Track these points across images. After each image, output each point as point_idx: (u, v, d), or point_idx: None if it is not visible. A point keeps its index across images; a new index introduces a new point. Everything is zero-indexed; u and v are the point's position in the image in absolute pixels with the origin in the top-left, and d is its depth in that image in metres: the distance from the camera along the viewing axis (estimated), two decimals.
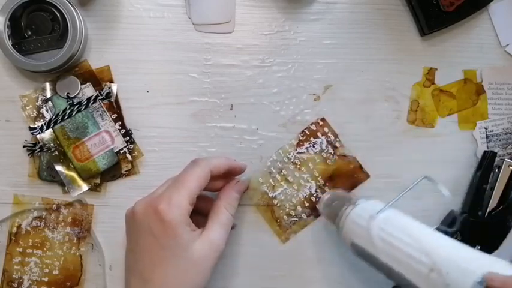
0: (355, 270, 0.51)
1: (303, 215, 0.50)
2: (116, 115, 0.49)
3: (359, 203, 0.44)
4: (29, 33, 0.46)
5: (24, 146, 0.48)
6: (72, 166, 0.48)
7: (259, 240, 0.50)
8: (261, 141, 0.50)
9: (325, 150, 0.50)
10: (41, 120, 0.48)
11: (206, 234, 0.41)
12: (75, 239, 0.49)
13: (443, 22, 0.49)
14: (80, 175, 0.48)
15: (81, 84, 0.48)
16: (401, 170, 0.51)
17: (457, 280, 0.35)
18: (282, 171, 0.50)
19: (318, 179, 0.50)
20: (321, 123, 0.50)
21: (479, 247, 0.49)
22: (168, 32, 0.49)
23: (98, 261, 0.50)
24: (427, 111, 0.51)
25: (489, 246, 0.49)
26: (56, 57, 0.45)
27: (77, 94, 0.48)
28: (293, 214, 0.50)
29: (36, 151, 0.48)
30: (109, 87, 0.49)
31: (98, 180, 0.49)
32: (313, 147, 0.50)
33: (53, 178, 0.48)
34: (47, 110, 0.48)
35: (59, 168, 0.48)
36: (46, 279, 0.49)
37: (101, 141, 0.48)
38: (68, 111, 0.47)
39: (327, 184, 0.50)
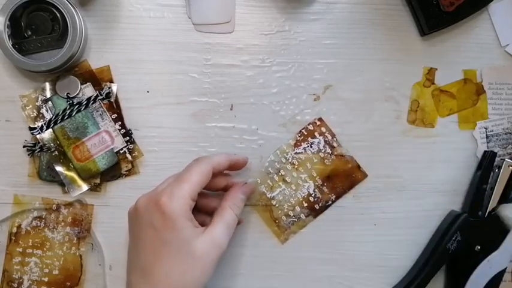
0: (355, 270, 0.51)
1: (302, 215, 0.50)
2: (116, 115, 0.49)
3: None
4: (29, 33, 0.46)
5: (24, 146, 0.48)
6: (72, 166, 0.48)
7: (259, 240, 0.50)
8: (261, 141, 0.50)
9: (322, 150, 0.50)
10: (41, 120, 0.48)
11: (209, 232, 0.41)
12: (75, 239, 0.49)
13: (443, 22, 0.49)
14: (80, 175, 0.48)
15: (81, 84, 0.48)
16: (401, 170, 0.51)
17: None
18: (280, 172, 0.50)
19: (316, 179, 0.50)
20: (318, 123, 0.50)
21: (479, 247, 0.49)
22: (168, 32, 0.49)
23: (98, 261, 0.50)
24: (427, 111, 0.51)
25: (489, 246, 0.50)
26: (56, 57, 0.45)
27: (77, 94, 0.48)
28: (292, 214, 0.50)
29: (36, 151, 0.48)
30: (109, 87, 0.49)
31: (98, 180, 0.49)
32: (311, 147, 0.50)
33: (53, 178, 0.48)
34: (47, 110, 0.48)
35: (59, 168, 0.48)
36: (46, 279, 0.49)
37: (101, 141, 0.48)
38: (68, 111, 0.48)
39: (325, 184, 0.50)
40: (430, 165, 0.51)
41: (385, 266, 0.51)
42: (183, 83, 0.50)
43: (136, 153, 0.49)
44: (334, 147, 0.50)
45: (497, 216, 0.49)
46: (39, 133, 0.47)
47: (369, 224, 0.51)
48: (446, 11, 0.48)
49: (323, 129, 0.50)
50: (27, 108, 0.48)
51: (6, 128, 0.49)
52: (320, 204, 0.50)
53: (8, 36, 0.45)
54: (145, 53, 0.49)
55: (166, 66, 0.49)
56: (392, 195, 0.51)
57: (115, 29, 0.49)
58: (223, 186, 0.47)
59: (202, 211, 0.46)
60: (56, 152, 0.48)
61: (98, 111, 0.48)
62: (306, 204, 0.50)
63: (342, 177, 0.50)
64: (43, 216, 0.49)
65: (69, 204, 0.49)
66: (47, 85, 0.48)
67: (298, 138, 0.50)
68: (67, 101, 0.48)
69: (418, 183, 0.51)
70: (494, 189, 0.49)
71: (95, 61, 0.49)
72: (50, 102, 0.48)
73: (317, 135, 0.50)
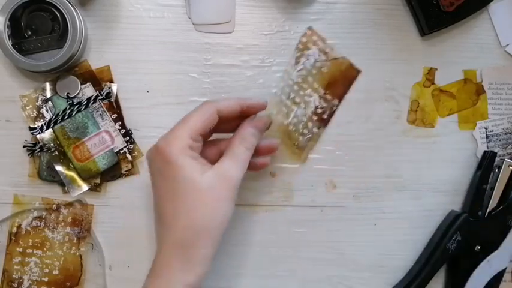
0: (355, 270, 0.51)
1: (314, 129, 0.50)
2: (116, 115, 0.49)
3: None
4: (29, 33, 0.46)
5: (24, 146, 0.48)
6: (72, 166, 0.48)
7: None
8: None
9: (318, 60, 0.50)
10: (41, 120, 0.48)
11: (217, 166, 0.40)
12: (75, 239, 0.49)
13: (443, 22, 0.49)
14: (80, 175, 0.48)
15: (81, 84, 0.48)
16: (401, 170, 0.51)
17: None
18: (290, 95, 0.49)
19: (319, 89, 0.49)
20: (309, 32, 0.50)
21: (479, 247, 0.49)
22: (168, 32, 0.49)
23: (98, 261, 0.50)
24: (427, 111, 0.51)
25: (489, 246, 0.50)
26: (56, 57, 0.45)
27: (77, 94, 0.48)
28: (306, 132, 0.50)
29: (36, 151, 0.48)
30: (109, 87, 0.49)
31: (98, 180, 0.49)
32: (308, 59, 0.49)
33: (53, 178, 0.48)
34: (47, 110, 0.48)
35: (59, 168, 0.48)
36: (46, 279, 0.49)
37: (101, 141, 0.48)
38: (68, 111, 0.48)
39: (327, 91, 0.50)
40: (430, 165, 0.51)
41: (385, 266, 0.51)
42: (183, 83, 0.50)
43: (136, 153, 0.49)
44: (327, 52, 0.49)
45: (497, 216, 0.49)
46: (39, 133, 0.47)
47: (369, 224, 0.51)
48: (446, 11, 0.48)
49: (314, 37, 0.49)
50: (27, 108, 0.48)
51: (6, 128, 0.49)
52: (327, 113, 0.50)
53: (8, 36, 0.45)
54: (145, 53, 0.49)
55: (166, 66, 0.49)
56: (392, 195, 0.51)
57: (115, 29, 0.49)
58: (237, 127, 0.44)
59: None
60: (56, 152, 0.48)
61: (98, 111, 0.48)
62: (315, 118, 0.50)
63: (339, 79, 0.50)
64: (43, 216, 0.49)
65: (69, 204, 0.49)
66: (47, 85, 0.48)
67: (297, 55, 0.49)
68: (67, 101, 0.48)
69: (418, 183, 0.51)
70: (494, 189, 0.49)
71: (94, 61, 0.49)
72: (50, 102, 0.48)
73: (311, 46, 0.49)
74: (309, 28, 0.49)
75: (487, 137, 0.51)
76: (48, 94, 0.48)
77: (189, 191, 0.38)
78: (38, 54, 0.47)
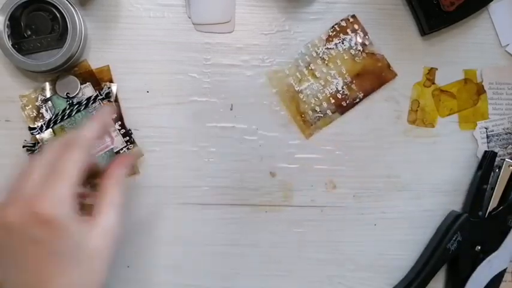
0: (355, 270, 0.51)
1: (328, 112, 0.50)
2: (115, 115, 0.49)
3: None
4: (29, 33, 0.46)
5: (24, 146, 0.48)
6: None
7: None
8: (261, 141, 0.50)
9: (354, 48, 0.50)
10: (41, 120, 0.48)
11: (97, 223, 0.37)
12: None
13: (443, 22, 0.49)
14: None
15: (81, 84, 0.48)
16: (401, 170, 0.51)
17: None
18: (309, 66, 0.49)
19: (345, 76, 0.49)
20: (351, 19, 0.50)
21: (479, 247, 0.49)
22: (168, 32, 0.49)
23: None
24: (428, 111, 0.51)
25: (489, 246, 0.50)
26: (55, 57, 0.45)
27: (77, 94, 0.48)
28: (318, 110, 0.49)
29: (36, 151, 0.48)
30: (109, 87, 0.48)
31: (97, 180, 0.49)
32: (342, 43, 0.49)
33: None
34: (46, 110, 0.48)
35: None
36: None
37: (101, 141, 0.48)
38: (68, 111, 0.47)
39: (354, 81, 0.50)
40: (430, 165, 0.51)
41: (385, 266, 0.51)
42: (183, 83, 0.50)
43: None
44: (366, 45, 0.50)
45: (498, 216, 0.49)
46: (39, 133, 0.47)
47: (369, 224, 0.51)
48: (446, 11, 0.48)
49: (356, 26, 0.50)
50: (27, 108, 0.48)
51: (6, 128, 0.49)
52: (347, 102, 0.50)
53: (8, 36, 0.45)
54: (145, 53, 0.49)
55: (166, 66, 0.49)
56: (392, 195, 0.51)
57: (115, 29, 0.49)
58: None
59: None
60: None
61: (97, 111, 0.48)
62: (333, 101, 0.50)
63: (372, 76, 0.50)
64: None
65: None
66: (47, 85, 0.48)
67: (330, 34, 0.49)
68: (67, 101, 0.48)
69: (418, 183, 0.51)
70: (495, 189, 0.49)
71: (94, 61, 0.49)
72: (49, 102, 0.48)
73: (349, 32, 0.49)
74: (353, 16, 0.49)
75: (488, 137, 0.51)
76: (48, 94, 0.48)
77: (78, 259, 0.35)
78: (37, 54, 0.46)
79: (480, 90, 0.51)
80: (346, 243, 0.51)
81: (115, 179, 0.40)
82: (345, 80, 0.50)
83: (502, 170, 0.49)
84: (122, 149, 0.49)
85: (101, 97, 0.48)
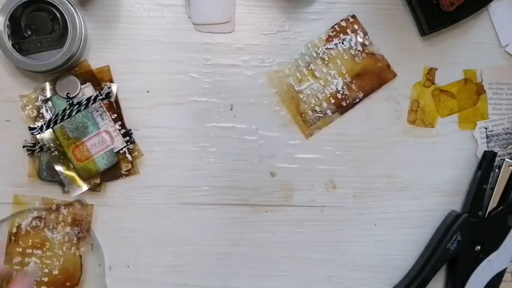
0: (355, 270, 0.51)
1: (328, 112, 0.50)
2: (115, 115, 0.49)
3: None
4: (29, 33, 0.46)
5: (24, 146, 0.48)
6: (72, 166, 0.48)
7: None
8: (261, 141, 0.50)
9: (354, 48, 0.50)
10: (41, 120, 0.48)
11: None
12: (75, 239, 0.49)
13: (443, 22, 0.49)
14: (79, 175, 0.48)
15: (81, 84, 0.48)
16: (401, 170, 0.51)
17: None
18: (309, 66, 0.49)
19: (345, 76, 0.50)
20: (351, 20, 0.50)
21: (479, 247, 0.49)
22: (168, 32, 0.49)
23: (97, 261, 0.50)
24: (427, 111, 0.51)
25: (489, 246, 0.50)
26: (55, 57, 0.45)
27: (77, 94, 0.48)
28: (318, 110, 0.50)
29: (36, 151, 0.48)
30: (109, 87, 0.48)
31: (97, 180, 0.49)
32: (342, 43, 0.50)
33: (53, 178, 0.48)
34: (46, 110, 0.48)
35: (58, 168, 0.48)
36: (46, 279, 0.49)
37: (101, 141, 0.48)
38: (68, 111, 0.47)
39: (354, 81, 0.50)
40: (430, 165, 0.51)
41: (385, 266, 0.51)
42: (183, 83, 0.50)
43: (136, 153, 0.49)
44: (366, 45, 0.50)
45: (498, 216, 0.49)
46: (39, 133, 0.47)
47: (369, 224, 0.51)
48: (446, 11, 0.48)
49: (356, 26, 0.50)
50: (27, 108, 0.48)
51: (6, 128, 0.49)
52: (347, 102, 0.50)
53: (8, 36, 0.45)
54: (145, 53, 0.49)
55: (166, 66, 0.49)
56: (392, 195, 0.51)
57: (115, 29, 0.49)
58: None
59: None
60: (56, 152, 0.48)
61: (97, 111, 0.48)
62: (333, 101, 0.50)
63: (372, 76, 0.50)
64: (43, 216, 0.49)
65: (69, 204, 0.49)
66: (47, 85, 0.48)
67: (331, 34, 0.50)
68: (67, 101, 0.48)
69: (418, 183, 0.51)
70: (495, 189, 0.49)
71: (94, 61, 0.49)
72: (49, 102, 0.48)
73: (349, 32, 0.50)
74: (353, 16, 0.49)
75: (487, 137, 0.51)
76: (48, 94, 0.48)
77: None
78: (37, 54, 0.46)
79: (480, 90, 0.51)
80: (346, 243, 0.51)
81: None
82: (345, 80, 0.50)
83: (501, 170, 0.49)
84: (121, 149, 0.49)
85: (101, 97, 0.48)
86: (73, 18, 0.45)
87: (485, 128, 0.51)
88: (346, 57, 0.50)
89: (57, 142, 0.48)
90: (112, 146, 0.48)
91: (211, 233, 0.50)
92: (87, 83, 0.48)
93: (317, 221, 0.51)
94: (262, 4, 0.50)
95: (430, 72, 0.51)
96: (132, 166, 0.49)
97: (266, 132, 0.50)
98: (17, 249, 0.49)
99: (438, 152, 0.51)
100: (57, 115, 0.48)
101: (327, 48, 0.50)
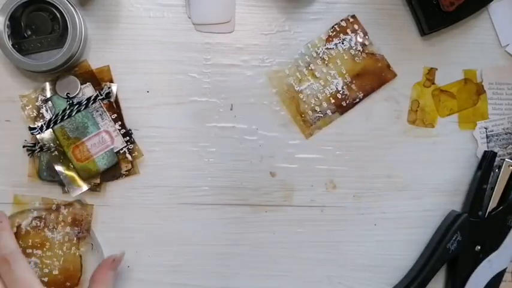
0: (355, 270, 0.51)
1: (328, 111, 0.50)
2: (115, 115, 0.49)
3: None
4: (29, 33, 0.46)
5: (24, 146, 0.48)
6: (72, 166, 0.48)
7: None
8: (261, 141, 0.50)
9: (353, 48, 0.50)
10: (41, 120, 0.48)
11: None
12: (75, 239, 0.49)
13: (443, 22, 0.49)
14: (79, 175, 0.48)
15: (81, 84, 0.48)
16: (401, 170, 0.51)
17: None
18: (309, 66, 0.49)
19: (345, 76, 0.50)
20: (351, 20, 0.50)
21: (479, 247, 0.49)
22: (168, 32, 0.49)
23: (98, 261, 0.49)
24: (427, 111, 0.51)
25: (489, 246, 0.50)
26: (56, 57, 0.45)
27: (77, 94, 0.48)
28: (318, 110, 0.50)
29: (36, 151, 0.48)
30: (109, 87, 0.49)
31: (97, 180, 0.49)
32: (342, 43, 0.49)
33: (53, 178, 0.48)
34: (46, 110, 0.48)
35: (58, 168, 0.48)
36: (46, 279, 0.49)
37: (101, 141, 0.48)
38: (68, 111, 0.47)
39: (354, 82, 0.50)
40: (430, 165, 0.51)
41: (385, 266, 0.51)
42: (183, 83, 0.50)
43: (136, 153, 0.49)
44: (366, 45, 0.50)
45: (498, 216, 0.49)
46: (39, 133, 0.47)
47: (369, 224, 0.51)
48: (446, 11, 0.48)
49: (356, 26, 0.50)
50: (27, 108, 0.48)
51: (6, 128, 0.49)
52: (347, 102, 0.50)
53: (8, 36, 0.45)
54: (145, 53, 0.49)
55: (166, 66, 0.49)
56: (392, 195, 0.51)
57: (115, 29, 0.49)
58: None
59: None
60: (56, 152, 0.48)
61: (97, 111, 0.48)
62: (333, 101, 0.50)
63: (372, 76, 0.50)
64: (43, 217, 0.49)
65: (69, 205, 0.49)
66: (47, 85, 0.48)
67: (331, 34, 0.50)
68: (67, 101, 0.48)
69: (418, 183, 0.51)
70: (495, 189, 0.49)
71: (94, 61, 0.49)
72: (49, 102, 0.48)
73: (349, 32, 0.50)
74: (353, 16, 0.49)
75: (487, 137, 0.51)
76: (48, 94, 0.48)
77: None
78: (37, 54, 0.46)
79: (480, 90, 0.51)
80: (346, 243, 0.51)
81: (104, 284, 0.45)
82: (345, 80, 0.50)
83: (501, 170, 0.49)
84: (121, 149, 0.49)
85: (101, 97, 0.48)
86: (73, 18, 0.45)
87: (485, 128, 0.51)
88: (346, 57, 0.50)
89: (57, 142, 0.48)
90: (112, 146, 0.48)
91: (211, 233, 0.50)
92: (87, 83, 0.48)
93: (317, 221, 0.51)
94: (262, 4, 0.50)
95: (430, 72, 0.51)
96: (132, 166, 0.49)
97: (266, 132, 0.50)
98: None
99: (438, 152, 0.51)
100: (57, 115, 0.48)
101: (327, 48, 0.50)
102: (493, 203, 0.49)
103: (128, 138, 0.49)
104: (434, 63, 0.51)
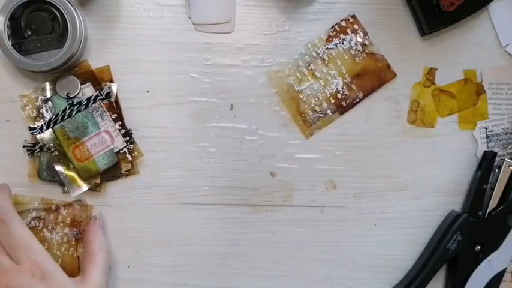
0: (355, 270, 0.51)
1: (328, 112, 0.50)
2: (115, 115, 0.49)
3: None
4: (29, 33, 0.46)
5: (24, 146, 0.48)
6: (72, 166, 0.48)
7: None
8: (261, 141, 0.50)
9: (353, 48, 0.50)
10: (41, 120, 0.48)
11: (87, 281, 0.44)
12: (74, 240, 0.49)
13: (443, 22, 0.49)
14: (79, 175, 0.48)
15: (81, 84, 0.48)
16: (401, 170, 0.51)
17: None
18: (309, 66, 0.49)
19: (345, 76, 0.50)
20: (351, 20, 0.50)
21: (479, 247, 0.49)
22: (168, 32, 0.49)
23: None
24: (427, 111, 0.51)
25: (489, 246, 0.50)
26: (56, 57, 0.45)
27: (77, 94, 0.48)
28: (318, 110, 0.50)
29: (36, 151, 0.48)
30: (109, 87, 0.48)
31: (97, 180, 0.49)
32: (342, 43, 0.50)
33: (53, 178, 0.48)
34: (46, 110, 0.48)
35: (58, 168, 0.48)
36: None
37: (101, 141, 0.48)
38: (68, 111, 0.47)
39: (354, 82, 0.50)
40: (430, 165, 0.51)
41: (385, 266, 0.51)
42: (183, 83, 0.50)
43: (136, 153, 0.49)
44: (366, 45, 0.50)
45: (498, 216, 0.49)
46: (39, 133, 0.47)
47: (369, 224, 0.51)
48: (446, 11, 0.48)
49: (356, 26, 0.50)
50: (27, 108, 0.48)
51: (6, 128, 0.49)
52: (347, 102, 0.50)
53: (8, 36, 0.45)
54: (145, 53, 0.49)
55: (166, 66, 0.49)
56: (392, 195, 0.51)
57: (115, 29, 0.49)
58: None
59: None
60: (56, 152, 0.48)
61: (97, 111, 0.48)
62: (333, 101, 0.50)
63: (372, 76, 0.50)
64: (42, 217, 0.49)
65: (68, 205, 0.49)
66: (47, 85, 0.48)
67: (331, 34, 0.50)
68: (67, 101, 0.48)
69: (418, 183, 0.51)
70: (495, 189, 0.49)
71: (94, 61, 0.49)
72: (49, 102, 0.48)
73: (349, 32, 0.50)
74: (353, 16, 0.49)
75: (487, 137, 0.51)
76: (48, 94, 0.48)
77: None
78: (37, 54, 0.46)
79: (480, 90, 0.51)
80: (346, 243, 0.51)
81: (97, 242, 0.46)
82: (345, 80, 0.50)
83: (501, 170, 0.49)
84: (121, 149, 0.49)
85: (101, 97, 0.48)
86: (73, 18, 0.45)
87: (485, 128, 0.51)
88: (346, 57, 0.50)
89: (57, 142, 0.48)
90: (112, 146, 0.48)
91: (211, 233, 0.50)
92: (87, 83, 0.48)
93: (317, 221, 0.51)
94: (262, 4, 0.50)
95: (430, 72, 0.51)
96: (132, 166, 0.49)
97: (266, 132, 0.50)
98: None
99: (438, 152, 0.51)
100: (57, 115, 0.47)
101: (327, 48, 0.50)
102: (493, 203, 0.49)
103: (128, 138, 0.49)
104: (434, 63, 0.51)
